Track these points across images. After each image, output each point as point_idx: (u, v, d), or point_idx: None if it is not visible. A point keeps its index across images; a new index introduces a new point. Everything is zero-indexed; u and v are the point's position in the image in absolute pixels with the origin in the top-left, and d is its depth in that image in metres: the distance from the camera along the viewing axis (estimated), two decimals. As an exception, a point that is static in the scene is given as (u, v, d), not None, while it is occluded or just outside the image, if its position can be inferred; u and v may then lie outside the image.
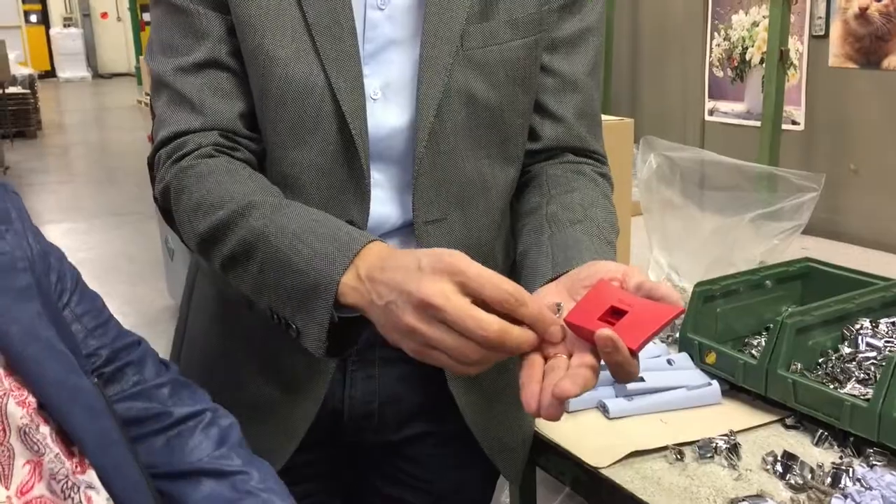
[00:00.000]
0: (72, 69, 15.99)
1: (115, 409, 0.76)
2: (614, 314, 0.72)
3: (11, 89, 9.32)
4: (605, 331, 0.69)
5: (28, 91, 9.56)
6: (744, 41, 2.49)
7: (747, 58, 2.48)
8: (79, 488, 0.68)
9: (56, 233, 5.50)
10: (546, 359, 0.72)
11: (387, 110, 0.93)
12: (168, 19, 0.93)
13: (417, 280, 0.70)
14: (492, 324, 0.68)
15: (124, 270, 4.80)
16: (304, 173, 0.93)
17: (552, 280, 0.82)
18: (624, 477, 1.06)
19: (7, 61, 9.01)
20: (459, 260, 0.70)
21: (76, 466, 0.70)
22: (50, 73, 15.69)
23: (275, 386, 1.01)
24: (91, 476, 0.70)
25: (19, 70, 9.97)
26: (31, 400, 0.68)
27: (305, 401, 0.99)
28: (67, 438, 0.70)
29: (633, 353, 0.70)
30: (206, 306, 1.08)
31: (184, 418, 0.83)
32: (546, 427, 1.17)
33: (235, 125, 0.93)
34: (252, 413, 0.97)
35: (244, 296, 0.88)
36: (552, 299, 0.77)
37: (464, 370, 0.71)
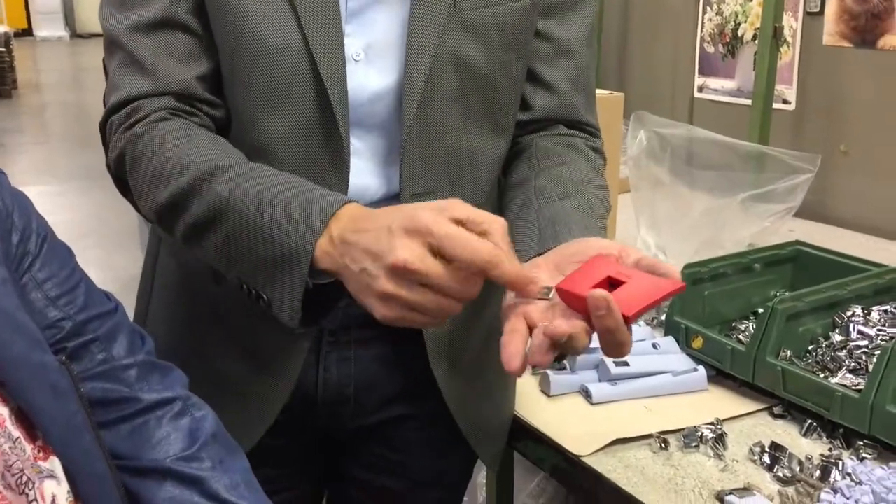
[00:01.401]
0: (49, 28, 15.66)
1: (81, 390, 0.69)
2: (610, 286, 0.69)
3: (-14, 47, 9.13)
4: (599, 290, 0.66)
5: (3, 49, 9.36)
6: (737, 17, 2.43)
7: (739, 34, 2.43)
8: (34, 484, 0.62)
9: (29, 195, 5.34)
10: (531, 329, 0.69)
11: (369, 73, 0.87)
12: None
13: (389, 243, 0.67)
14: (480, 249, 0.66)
15: (99, 234, 4.71)
16: (277, 140, 0.87)
17: (539, 255, 0.78)
18: (606, 466, 1.02)
19: (-19, 18, 8.80)
20: (430, 218, 0.67)
21: (38, 451, 0.64)
22: (27, 32, 15.35)
23: (245, 364, 0.95)
24: (54, 464, 0.64)
25: (-6, 27, 9.76)
26: None
27: (278, 381, 0.94)
28: (28, 420, 0.64)
29: (628, 322, 0.67)
30: (170, 278, 1.02)
31: (152, 406, 0.77)
32: (526, 412, 1.13)
33: (193, 89, 0.87)
34: (219, 391, 0.91)
35: (211, 269, 0.83)
36: (539, 275, 0.73)
37: (438, 323, 0.70)
